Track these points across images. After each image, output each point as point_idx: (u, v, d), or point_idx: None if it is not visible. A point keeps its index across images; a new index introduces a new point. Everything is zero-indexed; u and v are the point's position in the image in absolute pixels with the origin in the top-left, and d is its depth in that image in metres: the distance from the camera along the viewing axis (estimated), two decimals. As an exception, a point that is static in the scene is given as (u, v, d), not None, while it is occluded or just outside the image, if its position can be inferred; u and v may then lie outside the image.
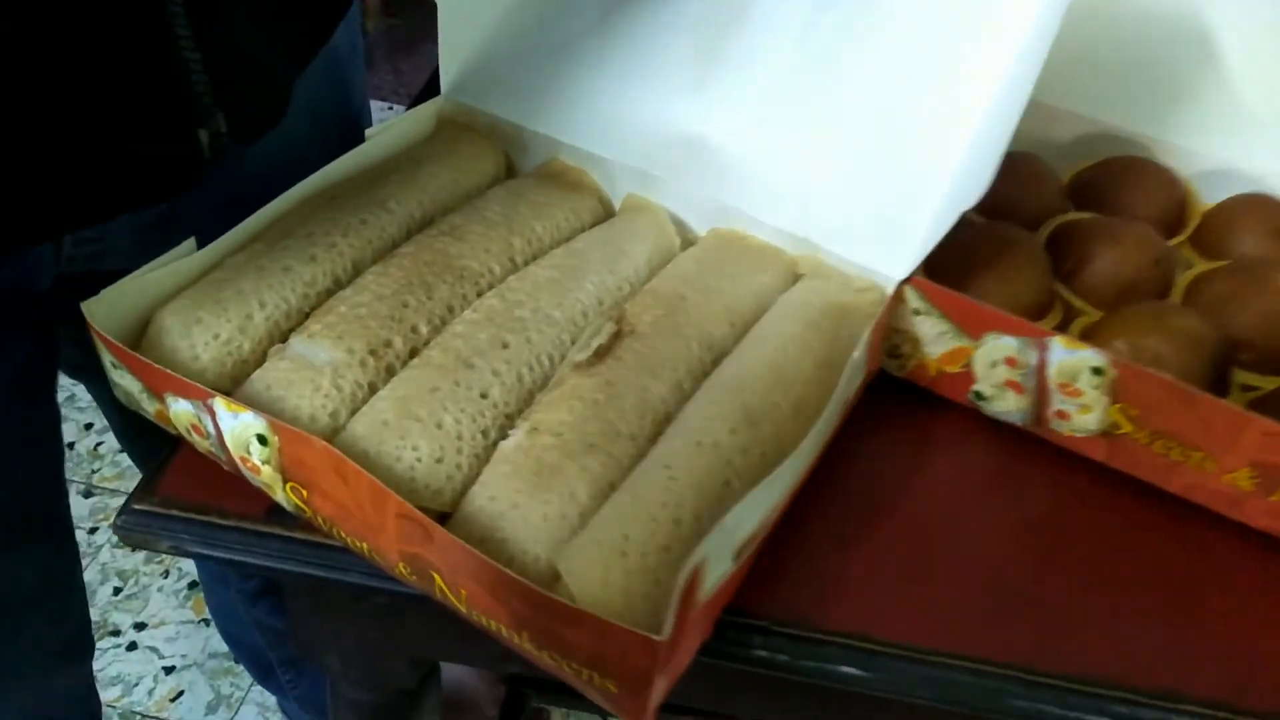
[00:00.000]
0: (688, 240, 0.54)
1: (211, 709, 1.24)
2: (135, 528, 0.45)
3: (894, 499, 0.48)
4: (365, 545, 0.40)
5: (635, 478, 0.40)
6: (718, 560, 0.36)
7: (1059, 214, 0.57)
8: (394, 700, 0.61)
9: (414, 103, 0.61)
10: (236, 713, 1.23)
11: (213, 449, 0.43)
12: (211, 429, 0.42)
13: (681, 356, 0.45)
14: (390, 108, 2.12)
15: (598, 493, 0.40)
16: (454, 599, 0.38)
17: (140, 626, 1.30)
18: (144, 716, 1.23)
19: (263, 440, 0.40)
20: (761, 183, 0.52)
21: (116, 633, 1.29)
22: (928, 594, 0.44)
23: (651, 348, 0.45)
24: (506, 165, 0.59)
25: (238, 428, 0.40)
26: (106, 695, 1.22)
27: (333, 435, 0.42)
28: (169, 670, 1.26)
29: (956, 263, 0.50)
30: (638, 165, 0.55)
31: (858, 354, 0.44)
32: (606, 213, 0.57)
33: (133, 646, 1.28)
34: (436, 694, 0.70)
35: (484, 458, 0.42)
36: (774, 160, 0.52)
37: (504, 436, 0.42)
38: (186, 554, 0.45)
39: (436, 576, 0.38)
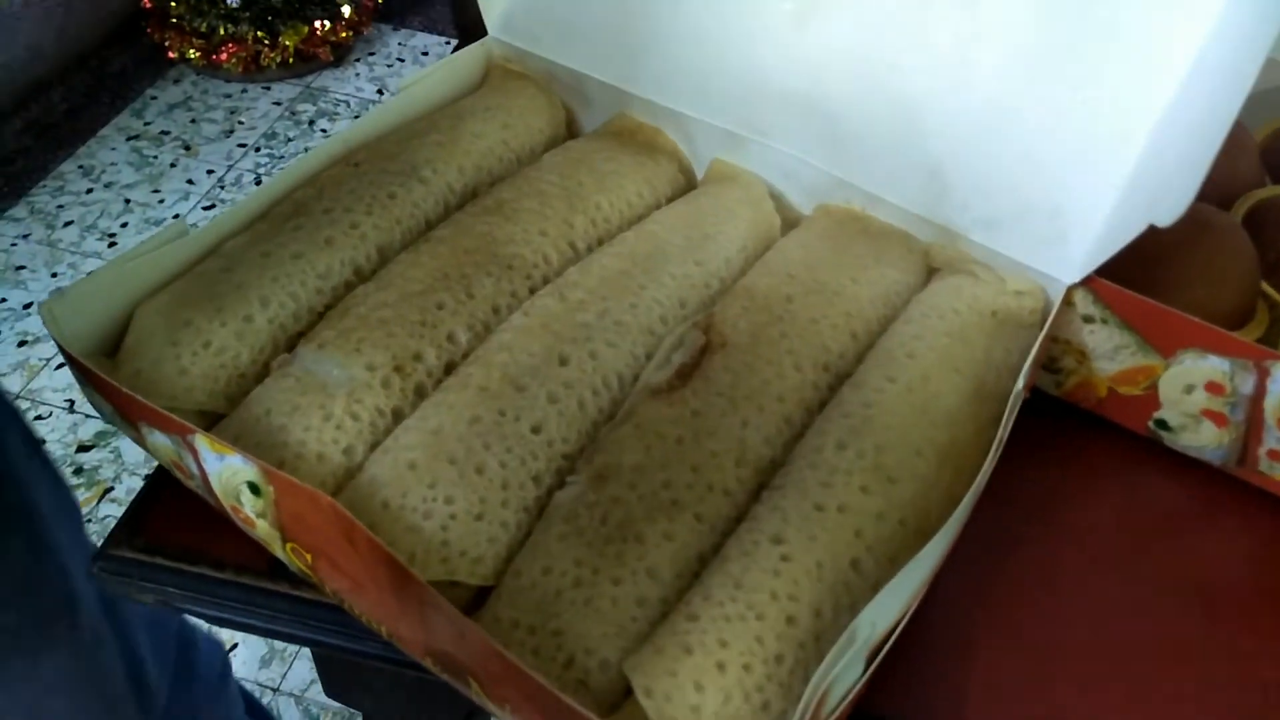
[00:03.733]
0: (789, 220, 0.44)
1: (265, 663, 1.19)
2: (114, 576, 0.37)
3: (1047, 556, 0.38)
4: (384, 629, 0.32)
5: (734, 554, 0.30)
6: (847, 672, 0.27)
7: (1256, 187, 0.46)
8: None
9: (460, 45, 0.51)
10: (290, 667, 1.19)
11: (201, 491, 0.35)
12: (195, 470, 0.33)
13: (790, 380, 0.35)
14: (448, 43, 2.00)
15: (684, 569, 0.31)
16: (497, 710, 0.29)
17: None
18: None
19: (255, 490, 0.31)
20: (883, 149, 0.41)
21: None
22: (1100, 685, 0.34)
23: (749, 367, 0.35)
24: (567, 123, 0.49)
25: (224, 472, 0.32)
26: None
27: (346, 479, 0.33)
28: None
29: (1131, 251, 0.39)
30: (726, 124, 0.44)
31: (1020, 385, 0.33)
32: (688, 183, 0.46)
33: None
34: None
35: (535, 512, 0.33)
36: (900, 119, 0.41)
37: (560, 484, 0.33)
38: (177, 610, 0.37)
39: (473, 682, 0.29)
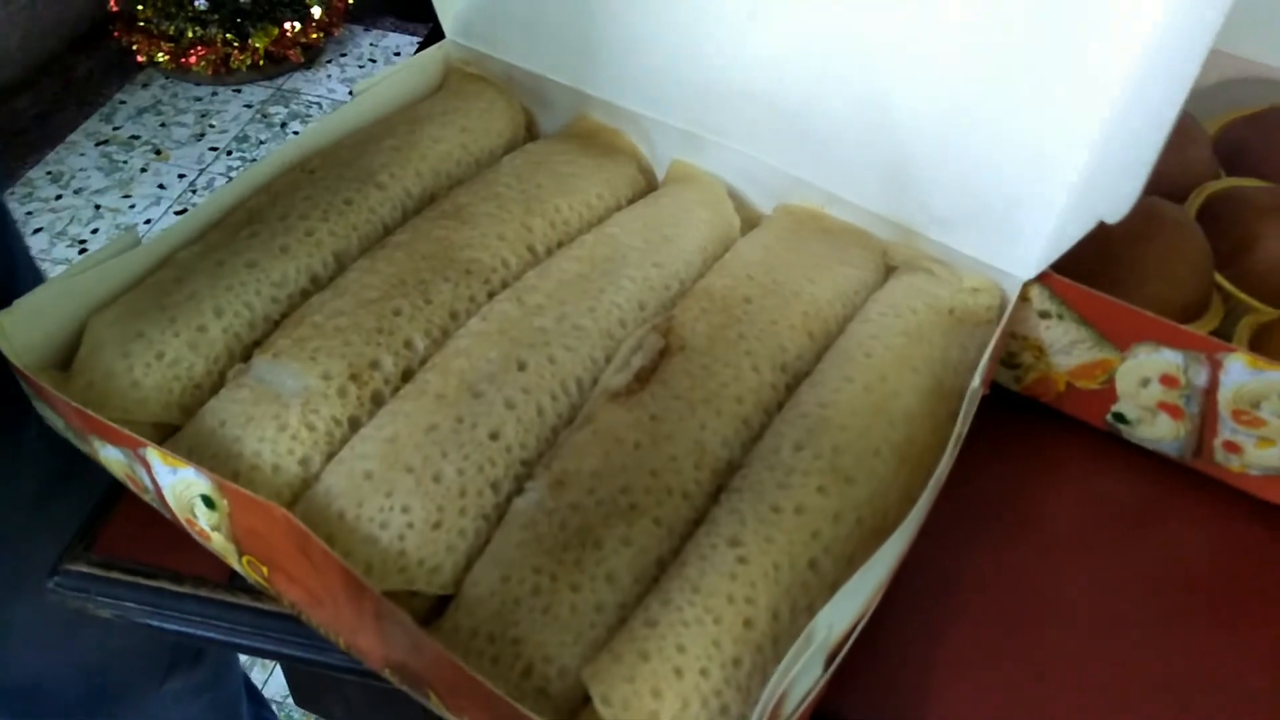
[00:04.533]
0: (750, 220, 0.44)
1: (246, 669, 1.18)
2: (72, 591, 0.36)
3: (1005, 548, 0.38)
4: (342, 640, 0.32)
5: (692, 558, 0.30)
6: (806, 674, 0.27)
7: (1209, 179, 0.46)
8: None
9: (421, 48, 0.51)
10: (271, 674, 1.18)
11: (156, 505, 0.34)
12: (149, 483, 0.33)
13: (748, 381, 0.35)
14: (421, 44, 1.99)
15: (642, 574, 0.31)
16: (455, 720, 0.29)
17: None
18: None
19: (209, 503, 0.31)
20: (841, 149, 0.41)
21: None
22: (1062, 680, 0.34)
23: (707, 369, 0.35)
24: (527, 125, 0.48)
25: (178, 485, 0.31)
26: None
27: (303, 490, 0.33)
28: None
29: (1087, 247, 0.39)
30: (685, 125, 0.44)
31: (976, 383, 0.34)
32: (649, 184, 0.46)
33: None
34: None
35: (494, 519, 0.33)
36: (855, 119, 0.41)
37: (519, 491, 0.33)
38: (134, 624, 0.37)
39: (431, 693, 0.29)
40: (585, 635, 0.29)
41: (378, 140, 0.43)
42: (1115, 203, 0.33)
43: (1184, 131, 0.48)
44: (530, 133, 0.49)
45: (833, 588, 0.30)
